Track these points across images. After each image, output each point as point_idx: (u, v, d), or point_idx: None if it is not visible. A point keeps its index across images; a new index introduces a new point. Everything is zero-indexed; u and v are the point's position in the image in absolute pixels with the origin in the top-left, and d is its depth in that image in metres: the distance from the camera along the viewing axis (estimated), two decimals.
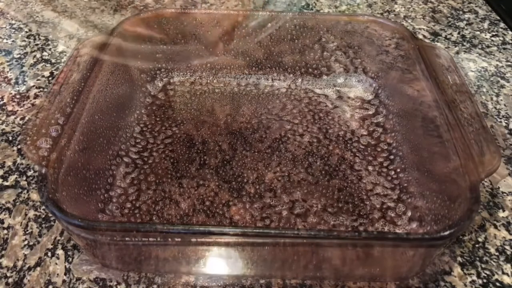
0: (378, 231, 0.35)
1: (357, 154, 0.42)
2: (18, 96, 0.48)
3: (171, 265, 0.30)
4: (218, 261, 0.30)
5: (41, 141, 0.30)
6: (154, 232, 0.25)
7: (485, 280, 0.33)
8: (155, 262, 0.30)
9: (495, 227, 0.37)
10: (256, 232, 0.27)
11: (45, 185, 0.27)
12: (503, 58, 0.55)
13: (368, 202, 0.38)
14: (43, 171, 0.29)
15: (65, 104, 0.33)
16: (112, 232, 0.26)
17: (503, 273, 0.34)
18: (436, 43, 0.56)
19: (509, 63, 0.54)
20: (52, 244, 0.35)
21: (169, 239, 0.27)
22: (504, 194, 0.40)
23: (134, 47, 0.45)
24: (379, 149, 0.42)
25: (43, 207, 0.38)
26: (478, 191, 0.29)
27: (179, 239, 0.27)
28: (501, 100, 0.49)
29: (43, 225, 0.36)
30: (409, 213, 0.37)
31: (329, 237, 0.27)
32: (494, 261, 0.35)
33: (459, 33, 0.59)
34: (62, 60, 0.53)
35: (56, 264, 0.34)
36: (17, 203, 0.38)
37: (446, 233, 0.27)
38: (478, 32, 0.60)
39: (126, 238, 0.27)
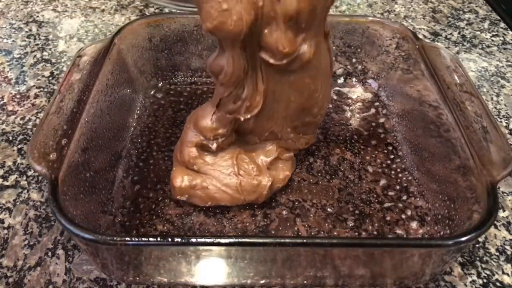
0: (392, 237, 0.35)
1: (357, 154, 0.42)
2: (18, 96, 0.48)
3: (171, 265, 0.30)
4: (218, 262, 0.30)
5: (42, 142, 0.30)
6: (154, 237, 0.25)
7: (485, 280, 0.33)
8: (155, 262, 0.30)
9: (496, 227, 0.37)
10: (254, 241, 0.28)
11: (45, 185, 0.27)
12: (503, 58, 0.55)
13: (368, 202, 0.38)
14: (44, 171, 0.29)
15: (65, 104, 0.33)
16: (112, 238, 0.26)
17: (503, 273, 0.34)
18: (436, 43, 0.56)
19: (509, 63, 0.54)
20: (52, 244, 0.35)
21: (169, 239, 0.27)
22: (505, 194, 0.40)
23: (135, 50, 0.45)
24: (379, 149, 0.42)
25: (43, 206, 0.38)
26: (496, 192, 0.29)
27: (179, 239, 0.27)
28: (501, 100, 0.49)
29: (43, 225, 0.36)
30: (409, 213, 0.37)
31: (337, 244, 0.28)
32: (494, 261, 0.35)
33: (459, 33, 0.59)
34: (63, 60, 0.53)
35: (57, 264, 0.34)
36: (17, 203, 0.38)
37: (472, 235, 0.27)
38: (479, 32, 0.60)
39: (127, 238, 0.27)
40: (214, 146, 0.35)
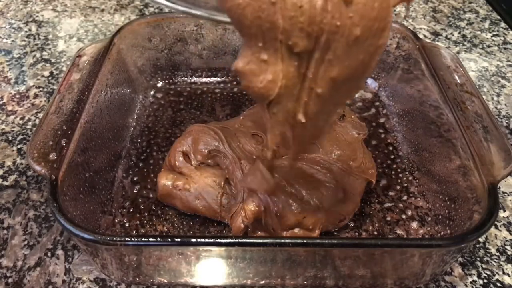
0: (392, 237, 0.35)
1: None
2: (17, 96, 0.48)
3: (171, 266, 0.30)
4: (218, 263, 0.30)
5: (41, 142, 0.30)
6: (154, 237, 0.25)
7: (485, 281, 0.33)
8: (155, 263, 0.29)
9: (496, 227, 0.37)
10: (254, 242, 0.28)
11: (44, 186, 0.27)
12: (503, 58, 0.55)
13: (368, 202, 0.38)
14: (43, 171, 0.29)
15: (65, 104, 0.33)
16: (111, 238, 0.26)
17: (504, 273, 0.34)
18: (436, 43, 0.56)
19: (509, 63, 0.54)
20: (52, 244, 0.35)
21: (169, 240, 0.27)
22: (505, 194, 0.40)
23: (135, 50, 0.45)
24: (379, 149, 0.42)
25: (43, 207, 0.37)
26: (496, 192, 0.29)
27: (179, 239, 0.27)
28: (502, 100, 0.49)
29: (43, 225, 0.36)
30: (410, 213, 0.37)
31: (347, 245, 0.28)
32: (494, 261, 0.35)
33: (459, 32, 0.59)
34: (62, 60, 0.53)
35: (56, 264, 0.34)
36: (17, 203, 0.38)
37: (472, 235, 0.27)
38: (479, 32, 0.59)
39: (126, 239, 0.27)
40: (194, 163, 0.36)
